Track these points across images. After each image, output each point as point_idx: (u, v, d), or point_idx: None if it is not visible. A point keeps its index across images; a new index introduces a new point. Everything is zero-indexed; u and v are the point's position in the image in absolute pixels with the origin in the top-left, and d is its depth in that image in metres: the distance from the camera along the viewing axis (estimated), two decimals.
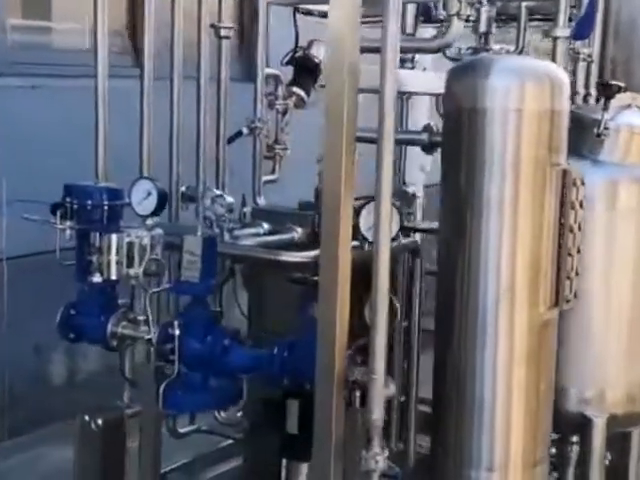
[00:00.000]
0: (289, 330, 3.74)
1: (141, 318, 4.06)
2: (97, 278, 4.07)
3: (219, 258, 4.36)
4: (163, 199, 3.97)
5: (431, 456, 3.78)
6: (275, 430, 3.98)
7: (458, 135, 3.57)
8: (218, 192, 4.32)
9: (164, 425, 4.57)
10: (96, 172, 4.40)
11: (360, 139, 3.41)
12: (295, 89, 5.11)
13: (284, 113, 5.11)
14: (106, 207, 4.01)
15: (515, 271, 3.50)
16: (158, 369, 3.97)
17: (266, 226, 4.63)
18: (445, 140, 3.77)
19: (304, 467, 4.05)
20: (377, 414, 3.34)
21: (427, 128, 4.38)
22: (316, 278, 3.61)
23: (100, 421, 4.22)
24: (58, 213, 4.07)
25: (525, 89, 3.52)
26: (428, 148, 4.39)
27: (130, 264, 4.02)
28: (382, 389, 3.34)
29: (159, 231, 4.06)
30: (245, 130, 4.98)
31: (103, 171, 4.40)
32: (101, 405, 4.37)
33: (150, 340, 3.94)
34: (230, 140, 4.85)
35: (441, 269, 3.77)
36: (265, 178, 5.07)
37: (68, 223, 4.10)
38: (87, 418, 4.24)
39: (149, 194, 3.97)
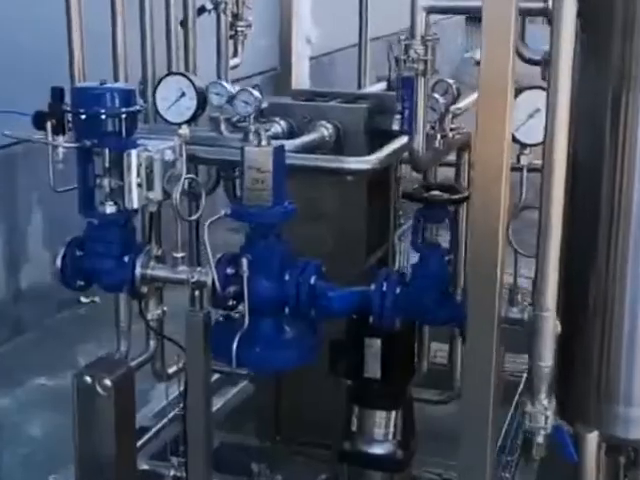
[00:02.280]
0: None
1: (179, 255, 3.16)
2: (111, 208, 3.13)
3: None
4: (202, 100, 3.02)
5: (563, 387, 3.12)
6: (342, 374, 3.26)
7: None
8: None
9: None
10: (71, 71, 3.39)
11: None
12: None
13: None
14: (123, 114, 3.03)
15: None
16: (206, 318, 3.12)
17: (283, 123, 3.77)
18: None
19: (379, 415, 3.35)
20: (548, 360, 2.65)
21: None
22: (434, 193, 2.83)
23: (108, 381, 3.32)
24: (49, 125, 3.07)
25: None
26: None
27: (150, 187, 3.09)
28: (553, 329, 2.64)
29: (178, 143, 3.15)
30: (209, 5, 4.01)
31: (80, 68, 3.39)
32: (98, 361, 3.46)
33: (199, 283, 3.06)
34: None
35: (579, 170, 2.99)
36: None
37: (62, 138, 3.11)
38: (89, 379, 3.34)
39: (182, 94, 3.01)
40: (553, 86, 2.46)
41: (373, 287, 2.87)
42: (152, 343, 3.91)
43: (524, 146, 2.84)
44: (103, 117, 2.99)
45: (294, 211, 2.94)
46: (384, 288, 2.84)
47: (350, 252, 3.96)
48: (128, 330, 3.75)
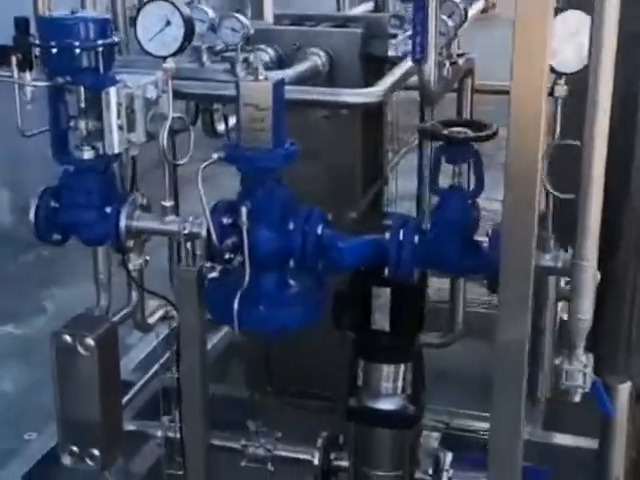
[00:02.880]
0: None
1: (168, 204, 2.84)
2: (88, 153, 2.79)
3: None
4: (190, 29, 2.66)
5: (593, 339, 2.88)
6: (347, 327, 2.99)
7: None
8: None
9: None
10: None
11: None
12: None
13: None
14: (100, 47, 2.66)
15: None
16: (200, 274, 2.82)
17: (270, 51, 3.43)
18: None
19: (388, 369, 3.09)
20: (587, 312, 2.40)
21: None
22: (457, 129, 2.52)
23: (91, 340, 3.02)
24: (14, 61, 2.71)
25: None
26: None
27: (131, 128, 2.76)
28: (594, 280, 2.39)
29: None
30: None
31: None
32: (78, 318, 3.16)
33: (192, 235, 2.75)
34: None
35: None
36: None
37: (30, 75, 2.75)
38: (69, 338, 3.04)
39: (167, 23, 2.65)
40: (599, 5, 2.16)
41: (388, 236, 2.58)
42: (134, 295, 3.62)
43: (559, 75, 2.55)
44: (77, 51, 2.63)
45: (296, 153, 2.63)
46: (401, 237, 2.56)
47: (344, 191, 3.67)
48: (108, 283, 3.45)
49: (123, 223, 2.78)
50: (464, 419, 4.05)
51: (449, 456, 3.24)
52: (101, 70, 2.68)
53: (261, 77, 2.58)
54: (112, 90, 2.66)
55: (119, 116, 2.70)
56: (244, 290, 2.61)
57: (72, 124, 2.76)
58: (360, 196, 3.73)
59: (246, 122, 2.59)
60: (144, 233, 2.84)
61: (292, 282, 2.72)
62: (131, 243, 2.82)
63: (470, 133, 2.47)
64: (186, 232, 2.75)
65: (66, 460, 3.10)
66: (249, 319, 2.64)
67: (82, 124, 2.74)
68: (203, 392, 2.99)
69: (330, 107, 3.05)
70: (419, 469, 3.24)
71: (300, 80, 3.18)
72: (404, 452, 3.19)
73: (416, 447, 3.23)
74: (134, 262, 3.20)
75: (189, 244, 2.80)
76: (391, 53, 3.62)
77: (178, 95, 2.90)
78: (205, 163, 2.61)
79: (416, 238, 2.56)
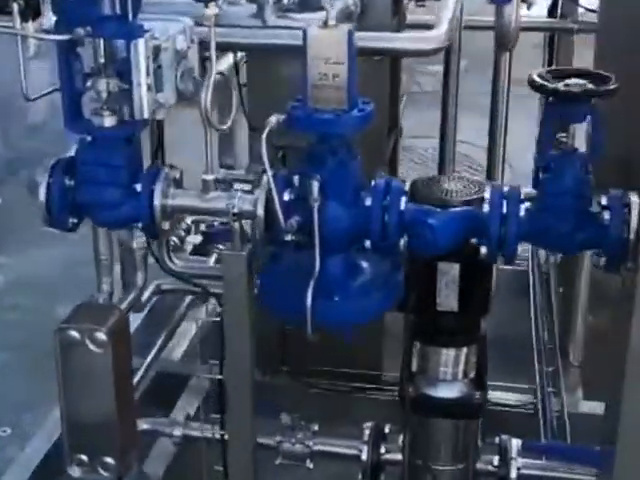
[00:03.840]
0: None
1: (210, 178, 2.37)
2: (110, 119, 2.30)
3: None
4: None
5: None
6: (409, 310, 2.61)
7: None
8: None
9: None
10: None
11: None
12: None
13: None
14: None
15: None
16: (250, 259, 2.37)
17: None
18: None
19: (452, 354, 2.73)
20: None
21: None
22: (573, 82, 2.11)
23: (102, 335, 2.55)
24: (15, 8, 2.19)
25: None
26: None
27: (160, 87, 2.28)
28: None
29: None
30: None
31: None
32: (82, 308, 2.69)
33: (245, 213, 2.30)
34: None
35: None
36: None
37: (33, 25, 2.24)
38: (76, 334, 2.56)
39: None
40: None
41: (487, 209, 2.18)
42: (140, 275, 3.14)
43: None
44: None
45: (373, 115, 2.20)
46: (504, 210, 2.16)
47: (374, 142, 3.25)
48: (111, 265, 2.97)
49: (158, 202, 2.31)
50: None
51: (516, 443, 2.91)
52: (129, 17, 2.19)
53: (331, 23, 2.13)
54: (141, 42, 2.18)
55: (148, 73, 2.22)
56: (316, 279, 2.19)
57: (89, 84, 2.27)
58: (387, 145, 3.33)
59: (316, 79, 2.14)
60: (183, 213, 2.38)
61: (368, 266, 2.31)
62: (167, 225, 2.36)
63: (589, 86, 2.08)
64: (236, 211, 2.30)
65: (74, 472, 2.66)
66: (324, 313, 2.22)
67: (102, 84, 2.25)
68: (251, 393, 2.57)
69: (392, 55, 2.62)
70: (481, 460, 2.91)
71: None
72: (468, 443, 2.84)
73: (477, 436, 2.89)
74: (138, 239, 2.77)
75: (237, 224, 2.36)
76: None
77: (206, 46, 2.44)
78: (266, 130, 2.16)
79: (522, 210, 2.17)
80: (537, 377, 3.60)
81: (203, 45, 2.39)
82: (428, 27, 2.70)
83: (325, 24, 2.13)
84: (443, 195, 2.36)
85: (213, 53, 2.24)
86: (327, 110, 2.14)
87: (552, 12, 4.10)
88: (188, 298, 3.83)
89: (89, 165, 2.33)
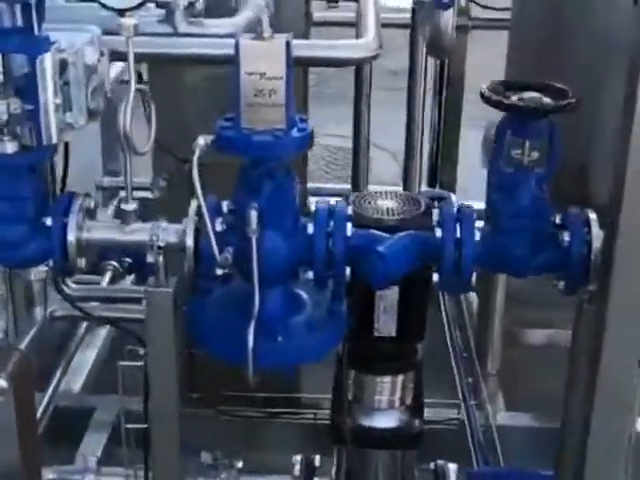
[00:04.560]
0: None
1: (130, 208, 2.11)
2: (12, 145, 2.02)
3: None
4: None
5: None
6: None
7: None
8: None
9: None
10: None
11: None
12: None
13: None
14: None
15: None
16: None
17: None
18: None
19: (388, 380, 2.56)
20: None
21: None
22: (530, 96, 1.96)
23: (3, 381, 2.27)
24: None
25: None
26: None
27: (68, 105, 2.03)
28: None
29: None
30: None
31: None
32: None
33: (173, 246, 2.05)
34: None
35: None
36: None
37: None
38: None
39: None
40: None
41: (440, 233, 2.01)
42: (39, 310, 2.86)
43: None
44: (1, 5, 1.86)
45: (313, 134, 1.99)
46: (458, 234, 2.00)
47: None
48: (7, 300, 2.69)
49: (73, 236, 2.04)
50: None
51: (453, 468, 2.77)
52: (34, 28, 1.91)
53: (267, 35, 1.92)
54: (47, 57, 1.92)
55: (56, 92, 1.96)
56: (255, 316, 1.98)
57: None
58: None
59: (250, 96, 1.92)
60: (101, 246, 2.12)
61: (309, 299, 2.11)
62: (82, 262, 2.09)
63: (546, 100, 1.93)
64: (161, 244, 2.06)
65: None
66: (267, 355, 2.00)
67: (2, 106, 1.97)
68: (176, 438, 2.34)
69: (328, 64, 2.42)
70: None
71: (250, 29, 2.54)
72: (405, 472, 2.68)
73: (414, 465, 2.74)
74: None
75: (160, 258, 2.12)
76: None
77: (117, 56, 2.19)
78: (196, 154, 1.94)
79: (477, 234, 2.01)
80: (459, 390, 3.48)
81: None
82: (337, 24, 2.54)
83: (260, 35, 1.91)
84: (382, 215, 2.19)
85: (132, 68, 2.00)
86: (263, 131, 1.93)
87: None
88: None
89: None
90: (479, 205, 3.89)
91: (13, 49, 1.91)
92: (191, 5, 2.41)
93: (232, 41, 2.41)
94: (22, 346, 2.74)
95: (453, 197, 4.38)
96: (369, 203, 2.31)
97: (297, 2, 2.83)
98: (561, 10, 2.81)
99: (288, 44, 1.91)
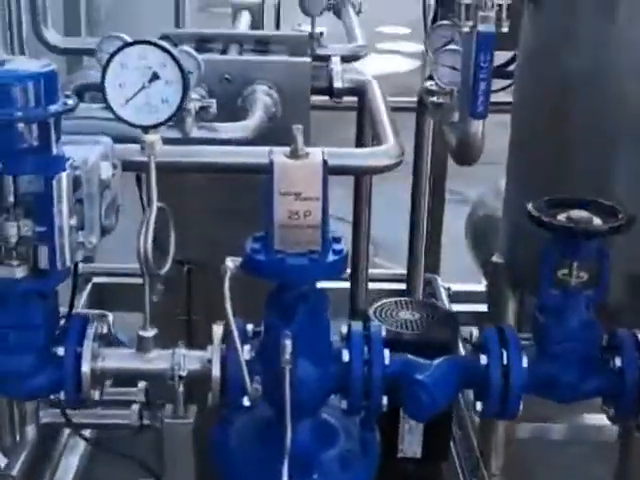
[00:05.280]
0: None
1: (150, 334, 1.95)
2: (21, 270, 1.85)
3: None
4: (186, 84, 1.81)
5: None
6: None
7: None
8: None
9: None
10: None
11: None
12: None
13: None
14: (50, 117, 1.74)
15: None
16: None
17: (199, 90, 2.58)
18: None
19: None
20: None
21: None
22: (580, 215, 1.85)
23: None
24: None
25: None
26: None
27: (82, 223, 1.88)
28: None
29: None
30: None
31: None
32: None
33: (195, 374, 1.90)
34: None
35: None
36: None
37: None
38: None
39: (154, 77, 1.78)
40: None
41: (485, 359, 1.89)
42: (30, 430, 2.67)
43: None
44: (19, 126, 1.71)
45: (347, 254, 1.87)
46: (505, 360, 1.88)
47: None
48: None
49: (87, 367, 1.88)
50: None
51: None
52: (53, 149, 1.77)
53: (302, 152, 1.80)
54: (64, 176, 1.78)
55: (71, 213, 1.82)
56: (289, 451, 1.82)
57: None
58: None
59: (284, 217, 1.79)
60: (117, 376, 1.96)
61: (342, 429, 1.96)
62: (96, 394, 1.93)
63: (597, 221, 1.83)
64: (183, 373, 1.91)
65: None
66: None
67: (12, 229, 1.81)
68: None
69: (351, 173, 2.32)
70: None
71: (260, 132, 2.44)
72: None
73: None
74: None
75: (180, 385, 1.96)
76: (337, 84, 2.91)
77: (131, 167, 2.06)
78: (226, 279, 1.80)
79: (525, 361, 1.88)
80: None
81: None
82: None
83: (294, 153, 1.79)
84: (405, 329, 2.08)
85: (154, 187, 1.86)
86: (298, 253, 1.80)
87: None
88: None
89: None
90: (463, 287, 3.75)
91: (29, 171, 1.76)
92: (203, 109, 2.29)
93: (247, 149, 2.33)
94: (14, 472, 2.55)
95: (439, 280, 4.33)
96: (390, 315, 2.20)
97: (303, 108, 2.73)
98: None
99: (325, 163, 1.79)
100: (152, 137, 1.82)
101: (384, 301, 2.43)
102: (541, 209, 1.87)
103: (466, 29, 2.01)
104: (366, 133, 3.12)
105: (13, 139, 1.72)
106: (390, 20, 9.90)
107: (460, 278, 4.16)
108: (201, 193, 2.84)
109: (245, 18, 3.62)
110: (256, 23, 3.73)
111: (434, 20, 3.59)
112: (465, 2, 1.98)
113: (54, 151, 1.77)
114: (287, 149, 1.81)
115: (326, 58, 3.13)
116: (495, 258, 2.83)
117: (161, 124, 1.80)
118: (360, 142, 3.17)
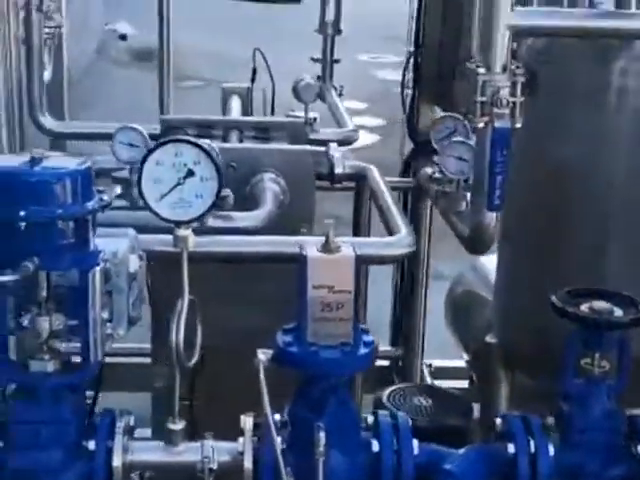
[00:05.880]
0: None
1: (178, 427, 1.94)
2: (52, 365, 1.85)
3: None
4: (222, 179, 1.84)
5: None
6: None
7: None
8: None
9: None
10: None
11: None
12: None
13: None
14: (88, 214, 1.77)
15: None
16: None
17: None
18: None
19: None
20: None
21: None
22: (600, 306, 1.90)
23: None
24: None
25: None
26: None
27: (111, 316, 1.89)
28: None
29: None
30: None
31: None
32: None
33: (226, 466, 1.90)
34: None
35: None
36: None
37: None
38: None
39: (189, 173, 1.81)
40: None
41: (513, 448, 1.91)
42: None
43: None
44: (59, 224, 1.73)
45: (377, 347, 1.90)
46: (532, 449, 1.91)
47: None
48: None
49: (119, 461, 1.87)
50: None
51: None
52: (90, 244, 1.79)
53: (334, 246, 1.84)
54: (98, 270, 1.80)
55: (103, 306, 1.83)
56: None
57: (26, 323, 1.83)
58: None
59: (317, 310, 1.82)
60: (146, 469, 1.95)
61: None
62: None
63: (619, 313, 1.88)
64: (213, 466, 1.91)
65: None
66: None
67: (45, 323, 1.82)
68: None
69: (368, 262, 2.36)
70: None
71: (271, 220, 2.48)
72: None
73: None
74: None
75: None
76: (338, 170, 2.96)
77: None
78: (261, 371, 1.82)
79: (552, 449, 1.91)
80: None
81: None
82: None
83: (326, 247, 1.83)
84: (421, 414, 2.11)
85: (186, 280, 1.88)
86: (330, 346, 1.83)
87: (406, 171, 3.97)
88: None
89: (25, 424, 1.86)
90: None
91: (66, 266, 1.78)
92: (221, 199, 2.32)
93: (262, 238, 2.36)
94: None
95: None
96: (404, 401, 2.24)
97: (308, 194, 2.77)
98: None
99: (358, 257, 1.83)
100: (184, 232, 1.85)
101: (394, 387, 2.47)
102: (565, 300, 1.92)
103: (481, 124, 2.08)
104: (363, 215, 3.17)
105: (51, 236, 1.75)
106: (347, 95, 10.10)
107: (439, 354, 4.20)
108: (210, 279, 2.87)
109: (236, 103, 3.68)
110: (245, 107, 3.78)
111: (412, 103, 3.69)
112: (480, 100, 2.05)
113: (91, 246, 1.79)
114: (317, 240, 1.85)
115: (320, 142, 3.18)
116: (488, 339, 2.88)
117: (195, 220, 1.82)
118: (357, 221, 3.20)
